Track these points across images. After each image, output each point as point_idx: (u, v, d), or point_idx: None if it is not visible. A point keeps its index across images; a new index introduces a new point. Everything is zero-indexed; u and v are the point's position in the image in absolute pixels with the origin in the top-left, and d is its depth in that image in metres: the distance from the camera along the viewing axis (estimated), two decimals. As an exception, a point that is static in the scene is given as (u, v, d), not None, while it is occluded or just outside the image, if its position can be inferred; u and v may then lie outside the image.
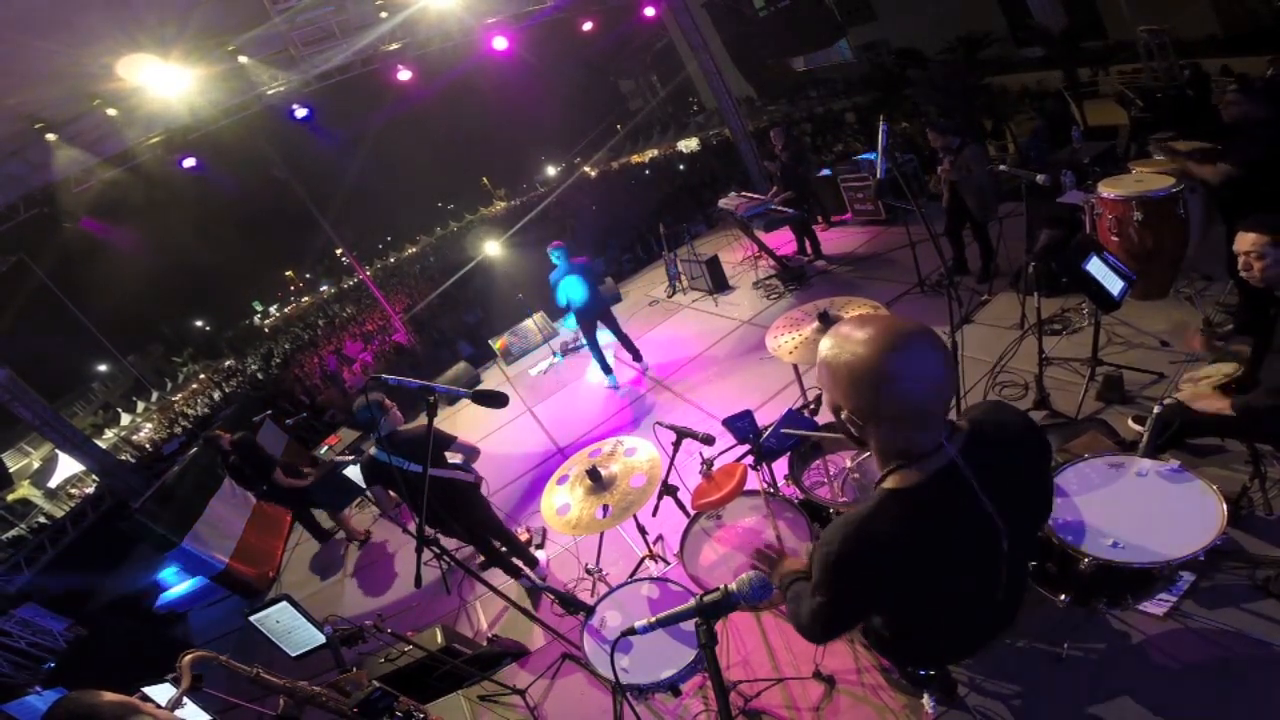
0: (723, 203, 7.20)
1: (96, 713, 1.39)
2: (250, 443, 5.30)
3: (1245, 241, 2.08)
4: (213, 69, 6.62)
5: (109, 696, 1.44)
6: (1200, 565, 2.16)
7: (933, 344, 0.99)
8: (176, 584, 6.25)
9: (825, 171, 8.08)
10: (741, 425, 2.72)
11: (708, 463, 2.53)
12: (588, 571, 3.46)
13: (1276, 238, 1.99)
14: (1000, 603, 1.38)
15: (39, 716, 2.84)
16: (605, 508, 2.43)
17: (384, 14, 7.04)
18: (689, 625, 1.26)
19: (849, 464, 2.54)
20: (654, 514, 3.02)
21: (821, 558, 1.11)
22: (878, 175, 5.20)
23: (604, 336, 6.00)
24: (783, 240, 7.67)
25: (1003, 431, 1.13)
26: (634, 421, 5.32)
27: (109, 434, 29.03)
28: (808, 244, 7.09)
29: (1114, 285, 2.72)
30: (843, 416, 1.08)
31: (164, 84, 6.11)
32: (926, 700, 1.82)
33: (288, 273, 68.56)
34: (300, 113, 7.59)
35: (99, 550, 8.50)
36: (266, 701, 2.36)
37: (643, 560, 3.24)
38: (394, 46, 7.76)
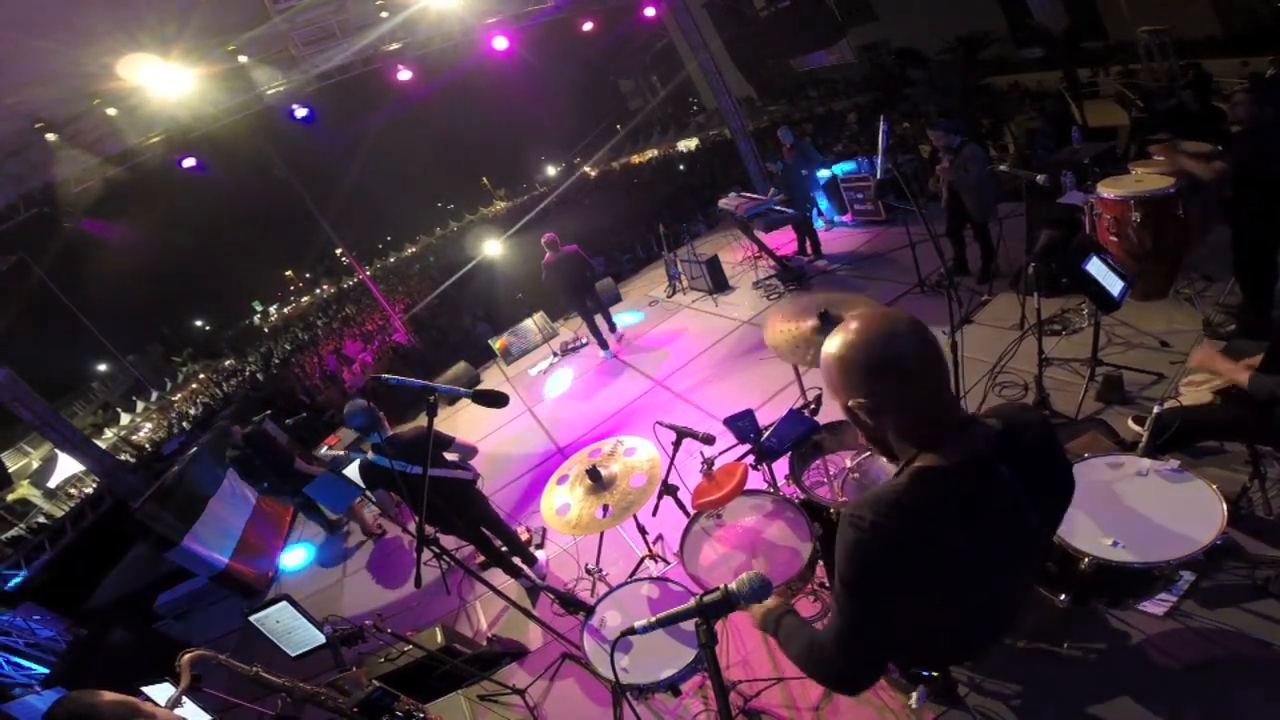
0: (723, 203, 7.20)
1: (97, 713, 1.39)
2: (263, 435, 5.31)
3: None
4: (213, 69, 6.61)
5: (109, 696, 1.44)
6: (1200, 565, 2.16)
7: (906, 322, 1.03)
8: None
9: (826, 173, 8.08)
10: (742, 425, 2.73)
11: (708, 462, 2.53)
12: (588, 571, 3.45)
13: None
14: (1013, 601, 1.38)
15: (39, 716, 2.84)
16: (605, 507, 2.43)
17: (384, 14, 7.03)
18: (689, 625, 1.25)
19: (849, 464, 2.53)
20: (654, 514, 3.02)
21: (853, 540, 1.04)
22: (878, 175, 5.21)
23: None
24: (783, 240, 7.67)
25: (1032, 431, 1.14)
26: (634, 421, 5.32)
27: (109, 434, 29.04)
28: (808, 244, 7.10)
29: (1114, 286, 2.72)
30: (850, 404, 1.10)
31: (164, 84, 6.09)
32: (914, 696, 1.81)
33: (288, 273, 68.60)
34: (300, 113, 7.58)
35: (98, 550, 8.50)
36: (266, 701, 2.36)
37: (643, 560, 3.24)
38: (394, 46, 7.75)
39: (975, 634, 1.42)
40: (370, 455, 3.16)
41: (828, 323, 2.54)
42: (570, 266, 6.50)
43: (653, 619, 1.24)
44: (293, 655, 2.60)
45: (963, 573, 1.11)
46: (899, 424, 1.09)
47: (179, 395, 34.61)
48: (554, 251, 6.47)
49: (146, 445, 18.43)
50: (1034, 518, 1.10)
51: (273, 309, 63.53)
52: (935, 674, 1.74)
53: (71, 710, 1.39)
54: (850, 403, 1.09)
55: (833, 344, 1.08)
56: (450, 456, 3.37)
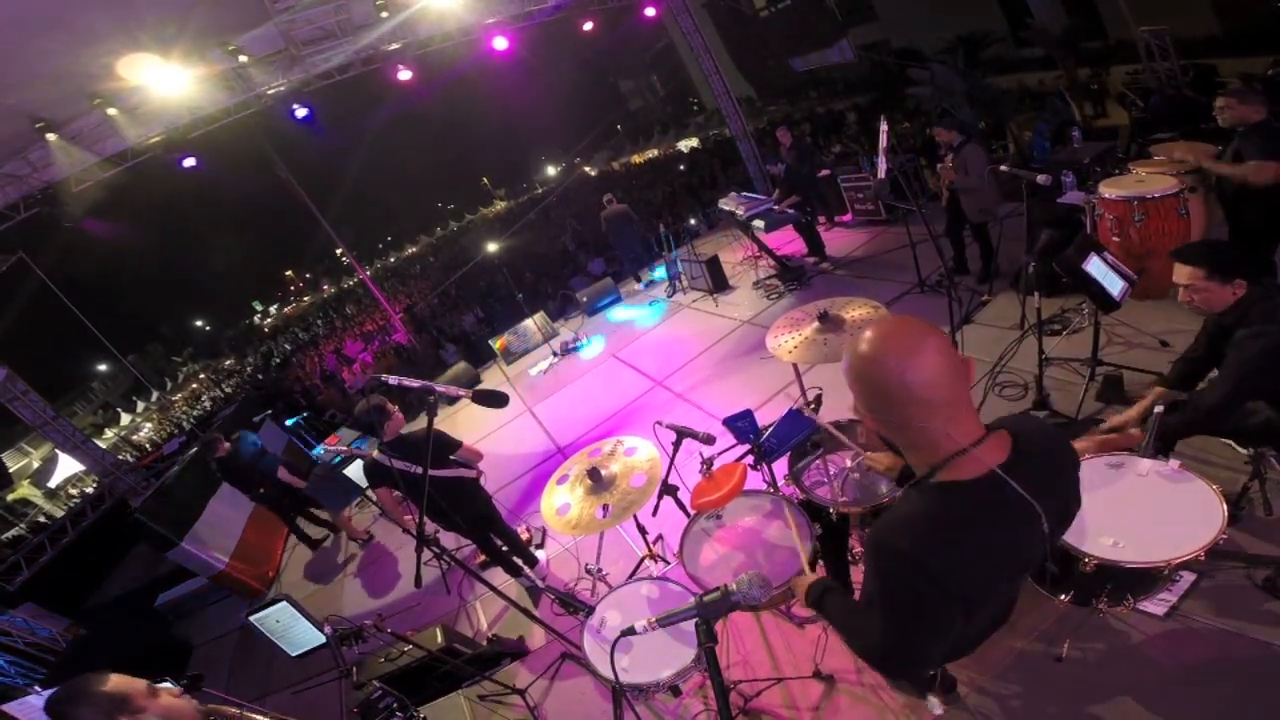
0: (723, 203, 7.20)
1: (89, 698, 1.39)
2: (233, 460, 5.30)
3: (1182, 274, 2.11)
4: (213, 69, 6.61)
5: (112, 683, 1.43)
6: (1200, 565, 2.16)
7: (929, 337, 1.02)
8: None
9: (825, 172, 8.06)
10: (742, 425, 2.73)
11: (708, 462, 2.53)
12: (588, 571, 3.45)
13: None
14: (1015, 599, 1.41)
15: (39, 716, 2.84)
16: (605, 507, 2.43)
17: (384, 14, 7.02)
18: (689, 625, 1.26)
19: (849, 464, 2.53)
20: (654, 514, 3.02)
21: (889, 566, 1.09)
22: (878, 175, 5.20)
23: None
24: (784, 240, 7.66)
25: (1044, 440, 1.15)
26: (634, 421, 5.32)
27: (109, 434, 29.07)
28: (809, 244, 7.08)
29: (1114, 285, 2.71)
30: (861, 414, 1.12)
31: (164, 84, 6.10)
32: (933, 703, 1.81)
33: (288, 273, 68.59)
34: (300, 113, 7.58)
35: (99, 550, 8.50)
36: (266, 702, 2.36)
37: (643, 560, 3.24)
38: (394, 46, 7.75)
39: (977, 634, 1.43)
40: (376, 455, 3.16)
41: (827, 322, 2.54)
42: (618, 221, 8.76)
43: (653, 619, 1.24)
44: (293, 655, 2.60)
45: (982, 582, 1.12)
46: (914, 441, 1.10)
47: (179, 395, 34.63)
48: (608, 207, 8.73)
49: (147, 445, 18.44)
50: (1045, 524, 1.08)
51: (273, 309, 63.57)
52: (931, 674, 1.74)
53: (70, 690, 1.41)
54: (860, 413, 1.11)
55: (847, 355, 1.08)
56: (456, 459, 3.36)
